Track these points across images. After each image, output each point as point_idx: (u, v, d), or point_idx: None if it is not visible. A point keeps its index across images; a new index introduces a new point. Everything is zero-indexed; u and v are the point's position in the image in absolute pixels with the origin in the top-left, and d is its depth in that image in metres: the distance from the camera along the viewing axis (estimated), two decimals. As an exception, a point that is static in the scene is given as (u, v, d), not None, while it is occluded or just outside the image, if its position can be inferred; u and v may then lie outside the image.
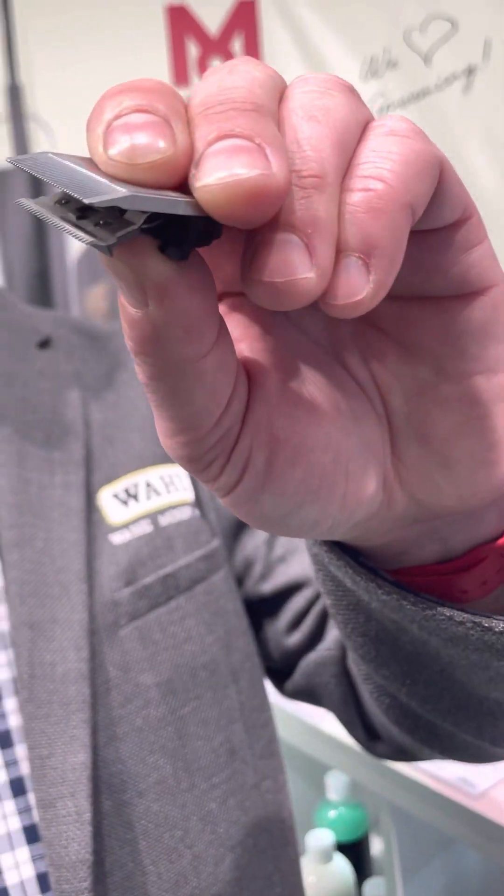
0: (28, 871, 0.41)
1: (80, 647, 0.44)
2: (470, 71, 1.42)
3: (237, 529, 0.54)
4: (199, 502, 0.53)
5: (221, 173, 0.17)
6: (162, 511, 0.50)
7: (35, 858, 0.42)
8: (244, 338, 0.23)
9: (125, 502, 0.49)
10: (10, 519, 0.45)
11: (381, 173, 0.18)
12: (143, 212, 0.17)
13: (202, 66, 1.55)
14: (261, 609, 0.54)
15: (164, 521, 0.50)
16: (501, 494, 0.25)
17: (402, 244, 0.19)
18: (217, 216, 0.17)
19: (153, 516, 0.50)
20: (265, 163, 0.17)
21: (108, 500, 0.49)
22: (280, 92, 0.19)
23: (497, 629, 0.26)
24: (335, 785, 1.17)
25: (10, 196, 1.58)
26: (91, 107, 0.18)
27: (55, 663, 0.43)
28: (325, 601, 0.33)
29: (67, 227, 0.18)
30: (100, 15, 1.53)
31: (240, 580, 0.54)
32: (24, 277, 1.60)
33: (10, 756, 0.43)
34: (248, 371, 0.23)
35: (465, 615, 0.26)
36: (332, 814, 1.19)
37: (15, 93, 1.55)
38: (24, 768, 0.43)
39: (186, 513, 0.51)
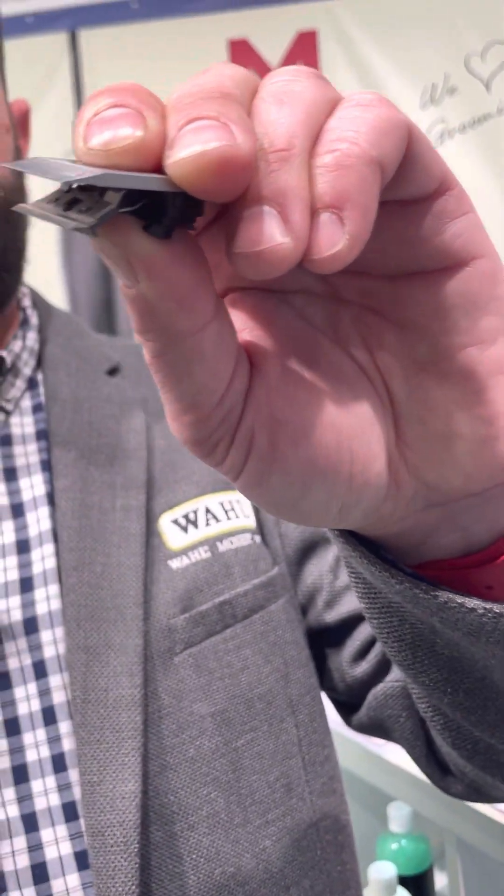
0: None
1: (133, 673, 0.44)
2: (532, 95, 1.41)
3: (302, 556, 0.54)
4: (261, 529, 0.53)
5: (190, 148, 0.18)
6: (221, 537, 0.50)
7: (85, 886, 0.41)
8: (247, 327, 0.24)
9: (184, 528, 0.50)
10: (70, 542, 0.46)
11: (347, 135, 0.19)
12: (119, 191, 0.18)
13: (263, 98, 1.57)
14: (326, 639, 0.53)
15: (223, 547, 0.50)
16: None
17: (374, 197, 0.19)
18: (189, 189, 0.18)
19: (211, 542, 0.50)
20: (230, 136, 0.18)
21: (167, 525, 0.50)
22: (254, 87, 0.21)
23: None
24: (398, 816, 1.15)
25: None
26: None
27: (108, 689, 0.43)
28: (361, 606, 0.33)
29: (54, 217, 0.19)
30: (163, 50, 1.57)
31: (304, 609, 0.53)
32: (89, 306, 1.64)
33: (64, 780, 0.43)
34: (250, 356, 0.24)
35: (476, 601, 0.26)
36: (394, 846, 1.16)
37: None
38: (77, 793, 0.43)
39: (246, 539, 0.51)
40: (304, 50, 1.55)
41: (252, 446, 0.23)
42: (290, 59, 1.56)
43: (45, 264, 1.62)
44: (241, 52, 1.56)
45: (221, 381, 0.22)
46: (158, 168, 0.19)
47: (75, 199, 0.19)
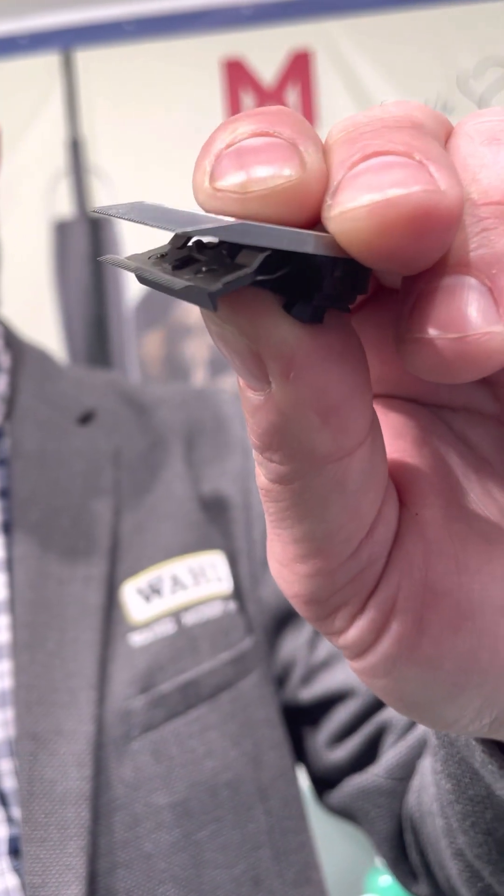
0: None
1: (82, 764, 0.41)
2: (527, 115, 1.41)
3: (279, 626, 0.49)
4: (238, 592, 0.49)
5: (369, 195, 0.13)
6: (187, 608, 0.47)
7: None
8: (394, 451, 0.18)
9: (148, 598, 0.46)
10: (25, 617, 0.43)
11: None
12: (261, 251, 0.13)
13: (257, 117, 1.57)
14: (301, 717, 0.49)
15: (190, 619, 0.46)
16: None
17: None
18: (362, 254, 0.13)
19: (177, 614, 0.46)
20: (429, 178, 0.13)
21: (130, 595, 0.46)
22: (447, 126, 0.15)
23: None
24: (387, 850, 1.13)
25: (69, 245, 1.61)
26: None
27: (55, 781, 0.40)
28: (442, 784, 0.28)
29: (155, 275, 0.14)
30: (158, 69, 1.56)
31: (280, 681, 0.50)
32: (82, 324, 1.63)
33: (19, 865, 0.41)
34: (401, 493, 0.18)
35: None
36: (383, 880, 1.15)
37: (76, 147, 1.59)
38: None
39: (216, 609, 0.47)
40: (299, 69, 1.55)
41: (389, 621, 0.17)
42: (284, 79, 1.55)
43: (36, 278, 1.61)
44: (235, 71, 1.56)
45: (363, 523, 0.16)
46: (315, 221, 0.14)
47: (191, 258, 0.14)
